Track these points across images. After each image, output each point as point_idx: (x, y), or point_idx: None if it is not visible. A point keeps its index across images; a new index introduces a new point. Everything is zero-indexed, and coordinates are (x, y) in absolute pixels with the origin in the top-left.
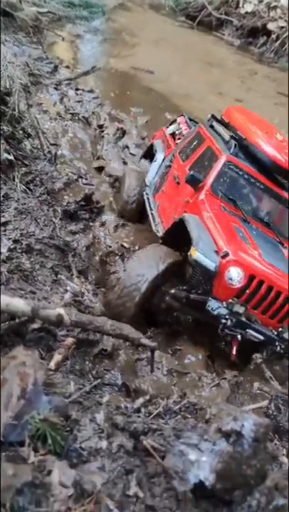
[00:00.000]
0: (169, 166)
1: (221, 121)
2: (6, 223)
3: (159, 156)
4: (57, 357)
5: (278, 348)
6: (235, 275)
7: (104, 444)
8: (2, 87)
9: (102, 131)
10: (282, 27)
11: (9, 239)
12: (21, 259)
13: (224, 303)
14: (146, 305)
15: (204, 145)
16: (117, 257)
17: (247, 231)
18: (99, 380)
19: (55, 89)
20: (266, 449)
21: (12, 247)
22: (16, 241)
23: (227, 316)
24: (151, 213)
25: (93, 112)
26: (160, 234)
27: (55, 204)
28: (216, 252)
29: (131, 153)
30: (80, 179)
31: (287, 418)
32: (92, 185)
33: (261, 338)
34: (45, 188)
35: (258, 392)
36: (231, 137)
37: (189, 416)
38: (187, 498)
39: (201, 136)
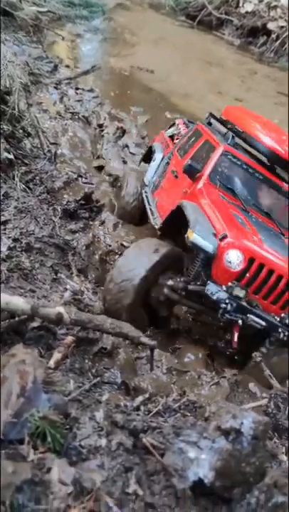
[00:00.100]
0: (168, 164)
1: (219, 119)
2: (5, 222)
3: (158, 156)
4: (56, 355)
5: (281, 335)
6: (235, 258)
7: (103, 442)
8: (2, 86)
9: (102, 131)
10: (282, 27)
11: (9, 238)
12: (21, 258)
13: (224, 286)
14: (145, 300)
15: (202, 139)
16: (117, 256)
17: (246, 219)
18: (98, 379)
19: (55, 88)
20: (265, 446)
21: (12, 245)
22: (15, 240)
23: (227, 301)
24: (150, 208)
25: (93, 111)
26: (158, 226)
27: (55, 203)
28: (214, 235)
29: (131, 153)
30: (79, 178)
31: (286, 416)
32: (92, 184)
33: (263, 323)
34: (45, 187)
35: (257, 390)
36: (229, 129)
37: (189, 414)
38: (186, 496)
39: (199, 132)
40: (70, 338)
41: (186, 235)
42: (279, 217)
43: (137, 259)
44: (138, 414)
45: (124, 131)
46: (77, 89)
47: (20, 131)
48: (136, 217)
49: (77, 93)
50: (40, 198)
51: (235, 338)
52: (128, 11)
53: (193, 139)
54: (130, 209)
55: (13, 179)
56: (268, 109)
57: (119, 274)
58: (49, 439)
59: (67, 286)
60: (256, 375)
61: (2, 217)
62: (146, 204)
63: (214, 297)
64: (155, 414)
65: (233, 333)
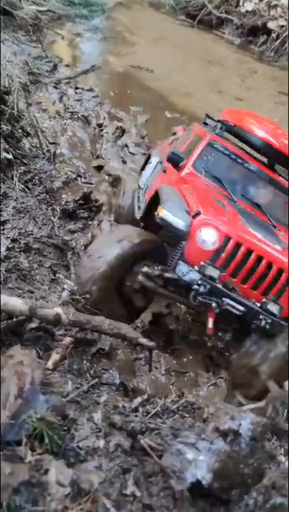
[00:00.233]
0: (160, 163)
1: (214, 119)
2: (4, 222)
3: (154, 160)
4: (55, 356)
5: (263, 323)
6: (208, 236)
7: (101, 443)
8: (1, 85)
9: (102, 130)
10: (282, 26)
11: (7, 238)
12: (19, 259)
13: (196, 267)
14: (119, 290)
15: (193, 135)
16: None
17: (230, 205)
18: (97, 380)
19: (55, 88)
20: (264, 448)
21: (10, 246)
22: (14, 240)
23: (199, 282)
24: (138, 206)
25: (92, 111)
26: (138, 216)
27: (54, 203)
28: (188, 213)
29: (130, 152)
30: (79, 178)
31: (285, 418)
32: (92, 184)
33: (241, 308)
34: (44, 187)
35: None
36: (218, 121)
37: (187, 415)
38: (184, 497)
39: (192, 130)
40: (68, 339)
41: (155, 212)
42: (271, 210)
43: (108, 245)
44: (136, 416)
45: (123, 131)
46: (76, 88)
47: (20, 130)
48: (130, 222)
49: (76, 92)
50: (39, 198)
51: (210, 324)
52: (128, 10)
53: (185, 137)
54: (125, 215)
55: (12, 179)
56: (269, 108)
57: (88, 261)
58: (47, 440)
59: (65, 287)
60: (239, 376)
61: (1, 217)
62: (136, 203)
63: (185, 278)
64: (153, 415)
65: (208, 319)
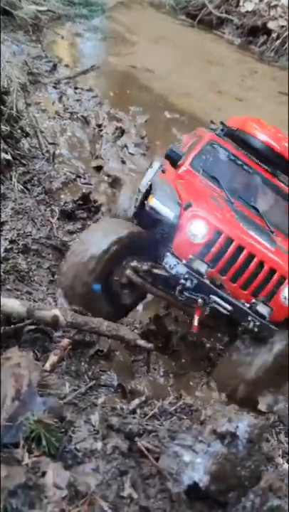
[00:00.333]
0: (162, 166)
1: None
2: (2, 223)
3: (155, 164)
4: (52, 358)
5: (251, 325)
6: (199, 229)
7: (99, 445)
8: (0, 86)
9: (101, 130)
10: (282, 26)
11: (6, 239)
12: (18, 260)
13: (184, 260)
14: (106, 286)
15: (195, 137)
16: None
17: (227, 205)
18: (94, 381)
19: (54, 88)
20: (261, 450)
21: (8, 247)
22: (12, 241)
23: (186, 276)
24: (134, 206)
25: (92, 111)
26: (132, 212)
27: (53, 204)
28: (179, 204)
29: (130, 153)
30: (78, 178)
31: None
32: (91, 184)
33: (228, 308)
34: (43, 188)
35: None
36: (221, 123)
37: (185, 417)
38: (181, 500)
39: (195, 134)
40: (66, 341)
41: (146, 201)
42: (270, 215)
43: (92, 239)
44: (134, 418)
45: (123, 131)
46: (76, 88)
47: (19, 131)
48: None
49: (76, 93)
50: (37, 198)
51: (196, 322)
52: (128, 9)
53: (188, 140)
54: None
55: (11, 180)
56: (269, 108)
57: (73, 255)
58: (44, 442)
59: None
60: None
61: None
62: (133, 205)
63: (172, 271)
64: (151, 417)
65: (194, 316)
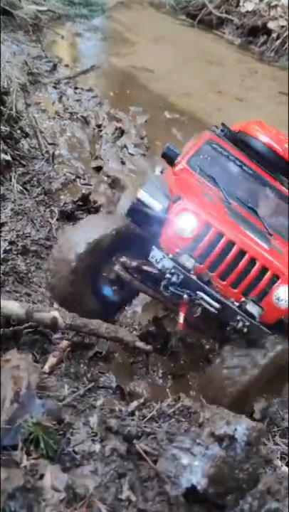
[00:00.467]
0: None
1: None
2: (2, 224)
3: (158, 169)
4: (51, 360)
5: (240, 325)
6: (187, 223)
7: (97, 447)
8: (0, 86)
9: (101, 131)
10: (282, 26)
11: (5, 240)
12: (17, 261)
13: (170, 254)
14: (94, 283)
15: (197, 138)
16: None
17: (220, 202)
18: (93, 383)
19: (54, 88)
20: (259, 452)
21: (8, 248)
22: (11, 242)
23: (173, 270)
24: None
25: (92, 111)
26: (125, 210)
27: (52, 204)
28: (168, 197)
29: (130, 153)
30: (77, 179)
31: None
32: (91, 185)
33: (216, 305)
34: (43, 189)
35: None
36: (222, 124)
37: (183, 419)
38: (179, 503)
39: (197, 137)
40: (65, 343)
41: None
42: (268, 217)
43: (78, 235)
44: (132, 420)
45: (122, 132)
46: (76, 88)
47: (18, 131)
48: None
49: (76, 93)
50: (37, 199)
51: (181, 319)
52: (128, 9)
53: (191, 141)
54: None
55: (10, 180)
56: (269, 108)
57: (58, 252)
58: (42, 445)
59: None
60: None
61: None
62: None
63: (158, 265)
64: (149, 419)
65: (180, 313)
